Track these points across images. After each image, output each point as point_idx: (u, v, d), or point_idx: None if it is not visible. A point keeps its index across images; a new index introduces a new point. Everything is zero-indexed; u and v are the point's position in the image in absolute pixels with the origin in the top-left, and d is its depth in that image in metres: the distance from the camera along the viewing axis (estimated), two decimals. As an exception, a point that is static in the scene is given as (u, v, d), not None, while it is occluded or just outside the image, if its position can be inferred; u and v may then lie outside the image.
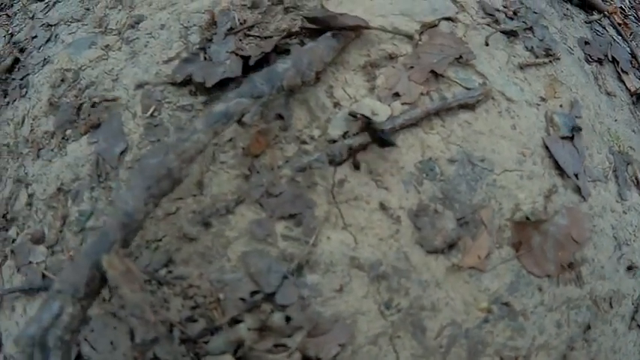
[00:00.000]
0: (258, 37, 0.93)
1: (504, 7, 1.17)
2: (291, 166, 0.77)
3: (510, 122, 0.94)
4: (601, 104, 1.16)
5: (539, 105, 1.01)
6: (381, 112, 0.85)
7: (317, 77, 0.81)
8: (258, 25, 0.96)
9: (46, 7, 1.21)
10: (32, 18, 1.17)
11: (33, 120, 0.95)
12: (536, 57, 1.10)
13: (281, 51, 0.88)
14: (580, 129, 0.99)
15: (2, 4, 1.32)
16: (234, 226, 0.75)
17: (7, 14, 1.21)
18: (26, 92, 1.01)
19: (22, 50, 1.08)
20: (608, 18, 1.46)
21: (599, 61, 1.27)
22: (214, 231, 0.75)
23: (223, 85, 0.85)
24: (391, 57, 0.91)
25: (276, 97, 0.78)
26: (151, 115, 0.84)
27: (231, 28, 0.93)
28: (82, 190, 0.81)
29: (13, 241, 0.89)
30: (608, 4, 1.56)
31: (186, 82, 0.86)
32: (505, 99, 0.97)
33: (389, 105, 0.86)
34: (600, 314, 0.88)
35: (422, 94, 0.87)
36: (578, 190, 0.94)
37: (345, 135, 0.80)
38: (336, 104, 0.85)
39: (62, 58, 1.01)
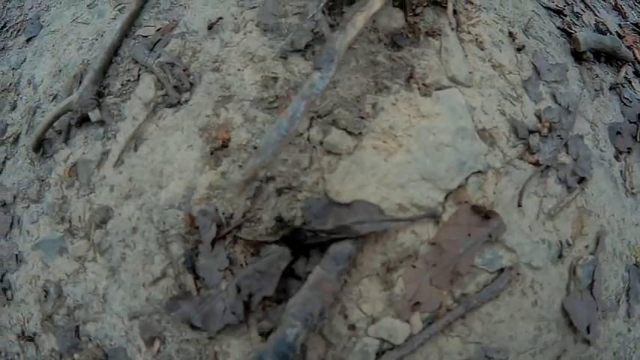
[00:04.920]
0: (251, 241, 0.69)
1: (538, 118, 0.85)
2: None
3: (532, 298, 0.77)
4: (625, 216, 0.94)
5: (564, 257, 0.82)
6: (400, 332, 0.69)
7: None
8: (249, 221, 0.70)
9: (-6, 163, 0.88)
10: (-17, 184, 0.86)
11: (34, 335, 0.77)
12: (568, 188, 0.85)
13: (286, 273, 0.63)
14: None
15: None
16: None
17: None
18: (12, 296, 0.80)
19: (-15, 235, 0.83)
20: (633, 65, 1.12)
21: (628, 151, 1.00)
22: None
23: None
24: (410, 255, 0.70)
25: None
26: (158, 351, 0.70)
27: (218, 232, 0.68)
28: None
29: None
30: (623, 28, 1.17)
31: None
32: (531, 269, 0.77)
33: (408, 321, 0.70)
34: None
35: (444, 297, 0.71)
36: (587, 341, 0.86)
37: (364, 367, 0.68)
38: (352, 327, 0.70)
39: (36, 261, 0.77)
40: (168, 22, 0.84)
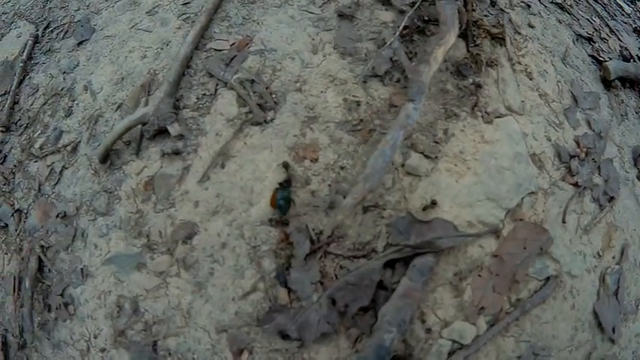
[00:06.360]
0: (341, 255, 0.79)
1: (577, 143, 1.02)
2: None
3: (571, 302, 0.95)
4: (644, 229, 1.16)
5: (596, 267, 1.00)
6: (468, 333, 0.83)
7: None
8: (338, 237, 0.80)
9: (50, 173, 0.90)
10: (39, 192, 0.88)
11: (102, 352, 0.82)
12: (600, 207, 1.03)
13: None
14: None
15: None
16: None
17: (2, 174, 0.89)
18: (74, 311, 0.84)
19: (44, 248, 0.85)
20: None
21: (649, 170, 1.21)
22: None
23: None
24: (477, 266, 0.83)
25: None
26: (246, 360, 0.78)
27: (310, 247, 0.78)
28: None
29: None
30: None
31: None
32: (570, 277, 0.95)
33: (474, 324, 0.84)
34: None
35: (503, 302, 0.85)
36: (612, 340, 1.05)
37: (439, 366, 0.81)
38: (428, 330, 0.82)
39: (106, 276, 0.82)
40: (241, 38, 0.91)
